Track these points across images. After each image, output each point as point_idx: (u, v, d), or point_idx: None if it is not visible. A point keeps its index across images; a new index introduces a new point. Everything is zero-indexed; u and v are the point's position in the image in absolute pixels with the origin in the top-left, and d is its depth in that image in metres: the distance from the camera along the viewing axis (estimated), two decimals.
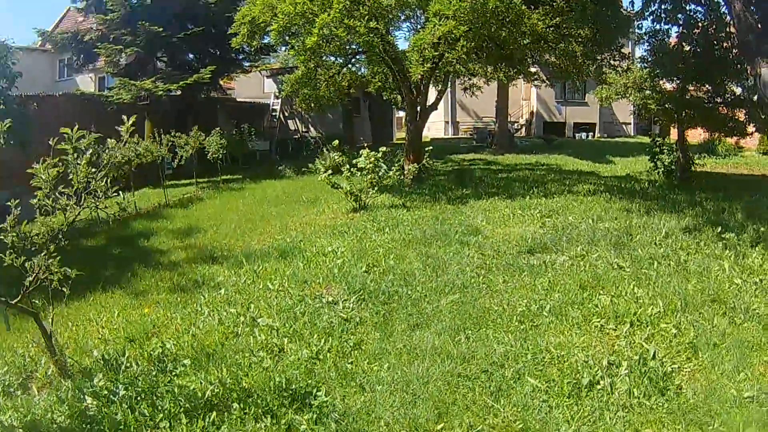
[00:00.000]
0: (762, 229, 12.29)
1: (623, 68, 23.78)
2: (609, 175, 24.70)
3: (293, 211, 17.12)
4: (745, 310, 8.21)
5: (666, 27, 20.41)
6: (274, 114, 37.43)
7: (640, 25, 22.12)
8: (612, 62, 24.07)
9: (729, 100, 21.17)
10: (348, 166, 17.05)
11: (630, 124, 51.52)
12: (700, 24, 19.85)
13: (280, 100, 36.20)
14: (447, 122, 52.61)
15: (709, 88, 21.17)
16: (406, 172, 21.31)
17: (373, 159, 17.37)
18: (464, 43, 18.57)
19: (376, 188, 17.36)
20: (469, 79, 33.04)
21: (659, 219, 13.61)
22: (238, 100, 39.74)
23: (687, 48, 20.26)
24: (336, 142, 21.51)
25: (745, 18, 13.37)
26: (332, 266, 10.79)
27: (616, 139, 47.35)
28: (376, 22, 17.67)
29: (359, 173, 17.21)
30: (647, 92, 21.79)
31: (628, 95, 22.38)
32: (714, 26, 19.64)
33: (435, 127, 52.45)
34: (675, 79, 21.28)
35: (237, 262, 11.69)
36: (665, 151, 22.66)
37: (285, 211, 17.35)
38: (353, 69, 26.47)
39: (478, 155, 34.32)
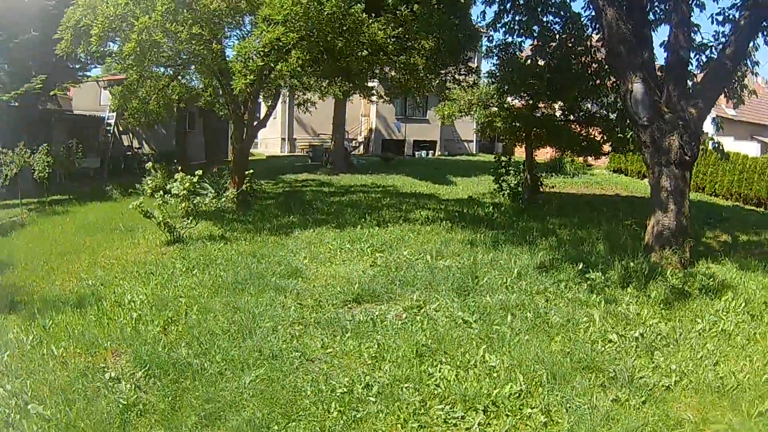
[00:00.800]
0: (631, 264, 10.66)
1: (469, 83, 22.22)
2: (450, 198, 22.99)
3: (108, 242, 14.47)
4: (629, 380, 6.53)
5: (519, 39, 18.86)
6: (108, 128, 33.78)
7: (491, 37, 20.52)
8: (457, 77, 22.47)
9: (583, 117, 19.86)
10: (161, 192, 14.58)
11: (472, 141, 50.54)
12: (557, 36, 18.43)
13: (115, 114, 32.78)
14: (284, 139, 49.99)
15: (562, 104, 19.81)
16: (228, 197, 18.86)
17: (188, 184, 14.92)
18: (299, 53, 16.54)
19: (191, 218, 14.89)
20: (303, 93, 31.07)
21: (509, 254, 11.77)
22: (75, 112, 35.80)
23: (541, 62, 18.78)
24: (150, 164, 18.96)
25: (617, 27, 11.92)
26: (126, 323, 8.46)
27: (458, 157, 46.08)
28: (201, 28, 15.34)
29: (173, 200, 14.76)
30: (494, 109, 20.29)
31: (472, 113, 20.78)
32: (573, 39, 18.30)
33: (272, 144, 50.50)
34: (525, 95, 19.76)
35: (30, 312, 9.16)
36: (511, 171, 21.21)
37: (100, 241, 14.69)
38: (183, 81, 23.97)
39: (312, 175, 31.65)
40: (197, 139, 39.38)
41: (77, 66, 29.77)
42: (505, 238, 13.32)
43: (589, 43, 18.07)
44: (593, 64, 18.28)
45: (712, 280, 10.24)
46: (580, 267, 10.40)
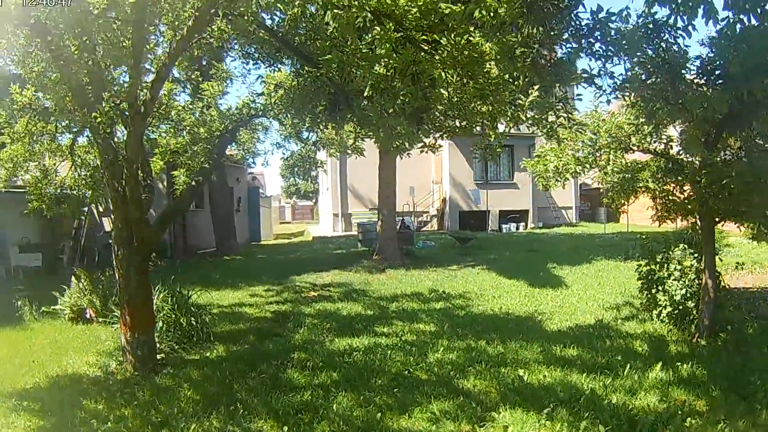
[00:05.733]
0: None
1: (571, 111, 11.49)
2: (562, 327, 12.46)
3: None
4: None
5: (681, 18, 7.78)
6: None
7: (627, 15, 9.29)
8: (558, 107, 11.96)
9: None
10: None
11: (571, 208, 39.70)
12: None
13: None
14: (336, 215, 39.49)
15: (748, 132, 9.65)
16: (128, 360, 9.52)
17: None
18: None
19: None
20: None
21: None
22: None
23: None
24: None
25: None
26: None
27: (555, 230, 35.56)
28: None
29: None
30: (639, 157, 10.56)
31: (597, 163, 10.73)
32: None
33: (326, 221, 42.17)
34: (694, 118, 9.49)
35: None
36: (675, 271, 11.19)
37: None
38: None
39: (344, 273, 20.69)
40: (204, 221, 30.02)
41: None
42: None
43: None
44: None
45: None
46: None
